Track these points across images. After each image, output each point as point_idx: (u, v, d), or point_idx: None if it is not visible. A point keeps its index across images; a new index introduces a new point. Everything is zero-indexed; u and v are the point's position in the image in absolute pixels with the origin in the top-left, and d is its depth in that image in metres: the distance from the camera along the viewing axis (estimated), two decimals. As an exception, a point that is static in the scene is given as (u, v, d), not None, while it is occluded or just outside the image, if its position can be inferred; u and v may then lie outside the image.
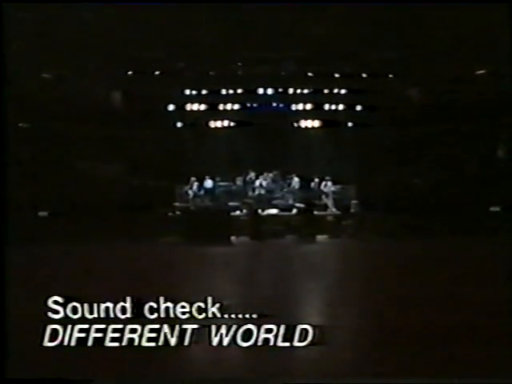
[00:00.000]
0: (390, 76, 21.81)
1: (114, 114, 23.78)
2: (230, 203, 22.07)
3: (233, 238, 19.01)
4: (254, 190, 22.90)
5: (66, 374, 5.57)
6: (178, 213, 21.25)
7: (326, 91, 23.92)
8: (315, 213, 20.57)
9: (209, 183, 23.21)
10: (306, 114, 24.49)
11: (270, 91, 23.99)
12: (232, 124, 24.56)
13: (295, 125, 24.65)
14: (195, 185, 22.94)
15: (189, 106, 24.28)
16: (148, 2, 19.57)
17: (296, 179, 23.31)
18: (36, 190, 20.14)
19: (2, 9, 7.69)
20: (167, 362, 5.87)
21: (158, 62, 22.10)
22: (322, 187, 22.82)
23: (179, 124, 24.52)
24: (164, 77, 22.75)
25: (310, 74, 22.19)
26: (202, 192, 22.89)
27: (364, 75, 21.98)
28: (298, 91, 23.91)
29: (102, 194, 21.24)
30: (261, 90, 23.94)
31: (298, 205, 21.38)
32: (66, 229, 18.60)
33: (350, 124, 24.63)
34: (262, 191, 22.79)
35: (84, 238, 17.62)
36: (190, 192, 22.69)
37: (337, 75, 22.06)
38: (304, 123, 24.65)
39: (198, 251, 15.52)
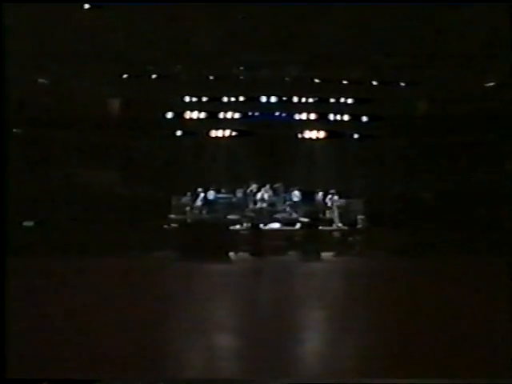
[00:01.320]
0: (402, 84, 20.00)
1: (109, 121, 22.13)
2: (230, 216, 20.35)
3: (231, 253, 17.23)
4: (255, 203, 21.20)
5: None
6: (173, 225, 19.46)
7: (331, 100, 22.20)
8: (320, 228, 18.75)
9: (208, 195, 21.48)
10: (310, 124, 22.78)
11: (273, 99, 22.28)
12: (233, 133, 22.85)
13: (299, 135, 22.95)
14: (193, 196, 21.18)
15: (188, 114, 22.52)
16: (146, 3, 17.95)
17: (299, 192, 21.57)
18: (22, 198, 18.36)
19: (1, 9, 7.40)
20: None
21: (155, 66, 20.35)
22: (326, 201, 21.09)
23: (178, 132, 22.79)
24: (162, 82, 21.03)
25: (316, 80, 20.31)
26: (199, 204, 21.13)
27: (374, 82, 20.11)
28: (303, 100, 22.20)
29: (92, 204, 19.65)
30: (263, 98, 22.23)
31: (301, 219, 19.60)
32: (52, 240, 16.91)
33: (355, 135, 22.92)
34: (264, 204, 21.12)
35: (69, 251, 15.96)
36: (188, 204, 20.91)
37: (344, 82, 20.22)
38: (308, 134, 23.00)
39: (191, 269, 13.88)
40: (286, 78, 20.27)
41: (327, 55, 18.89)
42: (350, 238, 18.52)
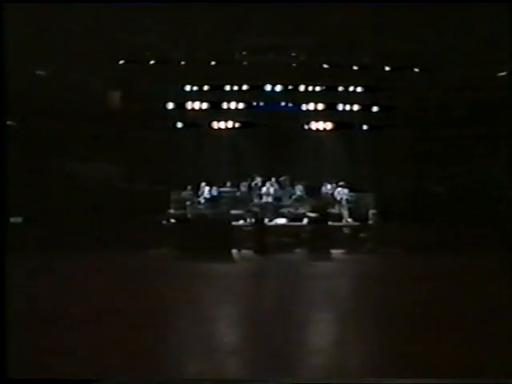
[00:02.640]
0: (416, 70, 18.23)
1: (106, 112, 20.47)
2: (233, 211, 18.72)
3: (234, 251, 15.59)
4: (259, 197, 19.53)
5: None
6: (172, 221, 17.84)
7: (340, 89, 20.49)
8: (329, 223, 17.08)
9: (210, 189, 19.81)
10: (317, 115, 21.08)
11: (278, 88, 20.59)
12: (237, 125, 21.19)
13: (305, 126, 21.24)
14: (194, 190, 19.56)
15: (189, 105, 20.86)
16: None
17: (306, 186, 19.93)
18: (11, 192, 16.73)
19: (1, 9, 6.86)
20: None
21: (153, 52, 18.64)
22: (335, 195, 19.43)
23: (179, 124, 21.17)
24: (161, 70, 19.33)
25: (324, 66, 18.56)
26: (201, 198, 19.50)
27: (386, 68, 18.37)
28: (310, 88, 20.48)
29: (87, 199, 18.04)
30: (268, 87, 20.55)
31: (309, 214, 17.94)
32: (40, 238, 15.32)
33: (365, 126, 21.24)
34: (269, 198, 19.46)
35: (57, 249, 14.38)
36: (188, 198, 19.29)
37: (355, 67, 18.48)
38: (315, 125, 21.28)
39: (188, 270, 12.25)
40: (293, 64, 18.50)
41: (337, 39, 17.12)
42: (362, 235, 16.86)
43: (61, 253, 14.39)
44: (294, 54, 18.27)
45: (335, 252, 15.63)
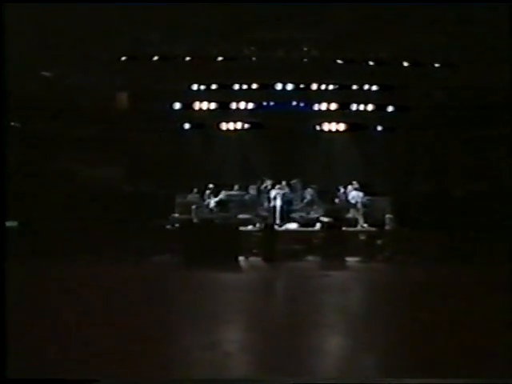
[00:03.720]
0: (436, 65, 16.75)
1: (110, 113, 19.20)
2: (241, 216, 17.36)
3: (241, 258, 14.23)
4: (269, 201, 18.13)
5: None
6: (176, 226, 16.52)
7: (354, 87, 19.09)
8: (343, 229, 15.66)
9: (217, 192, 18.50)
10: (330, 115, 19.72)
11: (289, 87, 19.23)
12: (246, 126, 19.87)
13: (317, 127, 19.86)
14: (200, 194, 18.24)
15: (197, 105, 19.55)
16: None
17: (317, 189, 18.54)
18: (9, 195, 15.44)
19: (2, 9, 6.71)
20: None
21: (157, 48, 17.31)
22: (349, 199, 18.02)
23: (186, 125, 19.89)
24: (167, 68, 17.98)
25: (338, 61, 17.13)
26: (207, 202, 18.17)
27: (405, 63, 16.90)
28: (322, 87, 19.09)
29: (88, 203, 16.81)
30: (279, 85, 19.20)
31: (322, 219, 16.53)
32: (35, 243, 14.12)
33: (379, 127, 19.87)
34: (279, 202, 17.99)
35: (53, 255, 13.19)
36: (194, 202, 17.97)
37: (370, 63, 17.03)
38: (328, 126, 19.91)
39: (191, 279, 10.92)
40: (305, 59, 17.09)
41: (352, 32, 15.69)
42: (378, 241, 15.41)
43: (55, 259, 13.25)
44: (305, 49, 16.84)
45: (350, 260, 14.22)
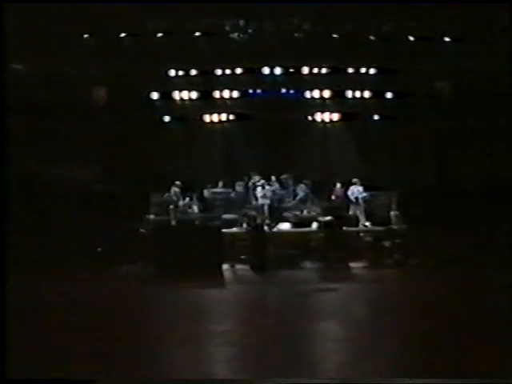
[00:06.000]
0: (447, 39, 14.00)
1: (81, 105, 16.29)
2: (225, 216, 14.58)
3: (225, 266, 11.43)
4: (257, 199, 15.32)
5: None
6: (151, 228, 13.71)
7: (349, 70, 16.37)
8: (343, 228, 12.90)
9: (198, 190, 15.74)
10: (323, 103, 16.99)
11: (278, 71, 16.47)
12: (231, 117, 17.10)
13: (309, 118, 17.08)
14: (179, 192, 15.43)
15: (177, 94, 16.79)
16: None
17: (311, 184, 15.85)
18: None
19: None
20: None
21: (129, 25, 14.43)
22: (348, 194, 15.27)
23: (166, 118, 17.16)
24: (140, 49, 15.10)
25: (334, 36, 14.32)
26: (187, 201, 15.38)
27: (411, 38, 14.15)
28: (315, 70, 16.34)
29: (54, 204, 14.14)
30: (266, 70, 16.44)
31: (319, 218, 13.73)
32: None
33: (376, 117, 17.21)
34: (269, 200, 15.22)
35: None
36: (172, 201, 15.15)
37: (370, 37, 14.27)
38: (321, 115, 17.19)
39: (156, 297, 8.08)
40: (295, 34, 14.28)
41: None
42: (385, 242, 12.66)
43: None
44: (296, 23, 14.02)
45: (356, 266, 11.48)
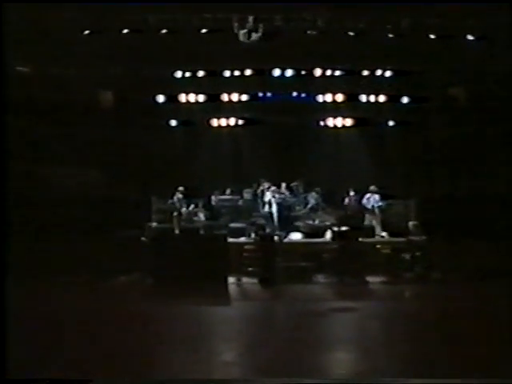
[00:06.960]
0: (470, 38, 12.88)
1: (82, 107, 15.27)
2: (232, 224, 13.51)
3: (231, 280, 10.32)
4: (266, 206, 14.25)
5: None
6: (153, 237, 12.65)
7: (365, 73, 15.31)
8: (359, 240, 11.75)
9: (205, 197, 14.71)
10: (336, 107, 15.95)
11: (289, 73, 15.44)
12: (240, 121, 16.09)
13: (322, 122, 16.04)
14: (183, 198, 14.37)
15: (183, 97, 15.84)
16: None
17: (323, 192, 14.81)
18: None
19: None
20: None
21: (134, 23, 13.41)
22: (364, 202, 14.13)
23: (173, 122, 16.19)
24: (145, 47, 14.08)
25: (350, 34, 13.21)
26: (192, 208, 14.33)
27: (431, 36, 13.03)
28: (328, 73, 15.29)
29: (52, 210, 13.08)
30: (277, 71, 15.41)
31: (334, 228, 12.56)
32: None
33: (391, 122, 16.16)
34: (279, 208, 14.16)
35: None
36: (175, 208, 14.11)
37: (390, 35, 13.15)
38: (333, 121, 16.16)
39: (149, 315, 6.97)
40: (308, 32, 13.23)
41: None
42: (405, 255, 11.48)
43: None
44: (308, 22, 12.94)
45: (374, 281, 10.31)
